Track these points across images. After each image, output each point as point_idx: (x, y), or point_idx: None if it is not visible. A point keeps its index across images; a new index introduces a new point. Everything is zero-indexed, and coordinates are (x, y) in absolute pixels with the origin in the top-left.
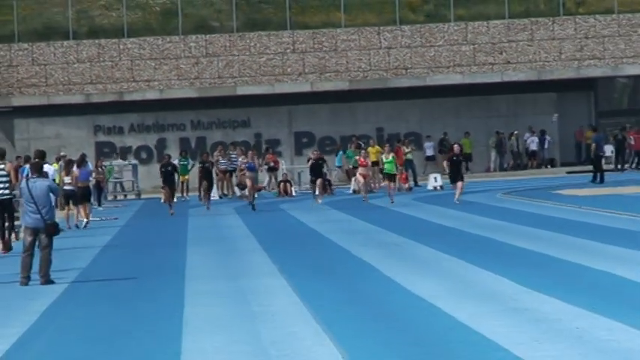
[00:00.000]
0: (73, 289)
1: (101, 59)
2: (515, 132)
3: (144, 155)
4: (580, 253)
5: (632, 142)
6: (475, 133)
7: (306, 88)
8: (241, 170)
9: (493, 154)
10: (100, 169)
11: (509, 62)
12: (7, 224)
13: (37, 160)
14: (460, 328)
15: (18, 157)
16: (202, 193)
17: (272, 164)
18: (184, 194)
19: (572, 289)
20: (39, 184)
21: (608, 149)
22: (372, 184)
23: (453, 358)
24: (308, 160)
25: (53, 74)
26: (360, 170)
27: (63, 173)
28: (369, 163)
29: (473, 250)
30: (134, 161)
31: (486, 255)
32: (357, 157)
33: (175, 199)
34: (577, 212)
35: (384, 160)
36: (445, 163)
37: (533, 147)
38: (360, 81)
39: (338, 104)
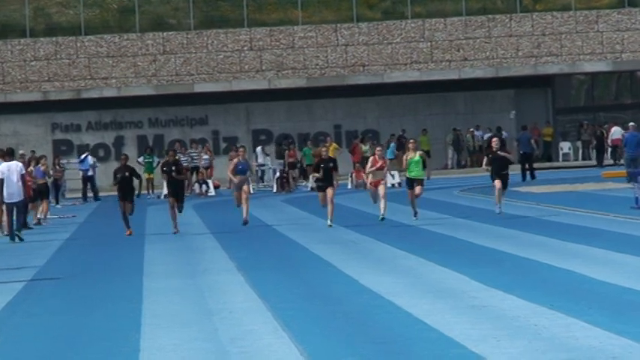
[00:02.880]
0: (30, 286)
1: (58, 57)
2: (471, 129)
3: (102, 153)
4: (538, 251)
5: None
6: (433, 130)
7: (263, 85)
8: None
9: (450, 151)
10: (57, 167)
11: (466, 59)
12: None
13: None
14: (418, 324)
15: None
16: (122, 216)
17: (292, 160)
18: (150, 192)
19: (531, 286)
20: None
21: (566, 146)
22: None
23: (410, 354)
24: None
25: (10, 72)
26: (371, 177)
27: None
28: (386, 165)
29: (431, 248)
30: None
31: (444, 252)
32: (371, 157)
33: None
34: (534, 209)
35: (409, 159)
36: (485, 161)
37: (496, 144)
38: (317, 78)
39: (295, 101)
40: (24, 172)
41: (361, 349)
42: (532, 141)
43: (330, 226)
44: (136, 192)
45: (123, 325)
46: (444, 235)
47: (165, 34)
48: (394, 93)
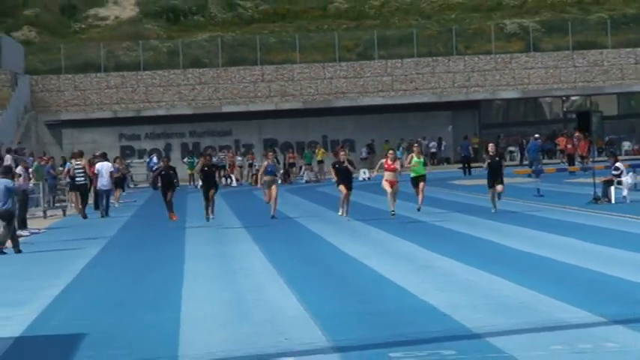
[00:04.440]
0: (103, 251)
1: (124, 86)
2: (420, 139)
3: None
4: (470, 227)
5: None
6: (392, 140)
7: (271, 107)
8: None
9: (405, 154)
10: (122, 165)
11: (417, 89)
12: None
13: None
14: (383, 280)
15: (94, 157)
16: (167, 205)
17: (292, 161)
18: (191, 183)
19: (465, 253)
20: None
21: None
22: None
23: (377, 301)
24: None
25: (90, 97)
26: (386, 176)
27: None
28: (399, 167)
29: (393, 225)
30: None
31: (402, 228)
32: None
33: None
34: (466, 197)
35: (413, 161)
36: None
37: (433, 150)
38: (310, 102)
39: (295, 119)
40: (112, 169)
41: (339, 295)
42: (470, 147)
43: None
44: (177, 185)
45: (170, 279)
46: (401, 215)
47: (201, 69)
48: (365, 113)
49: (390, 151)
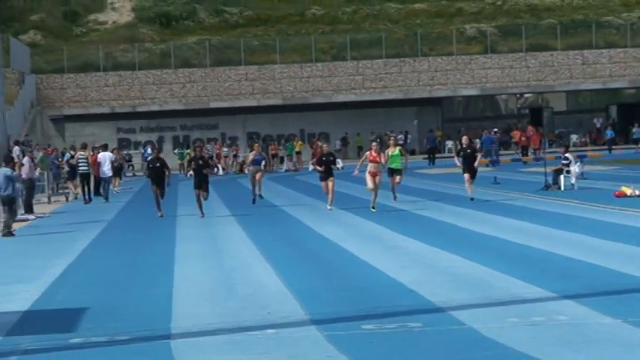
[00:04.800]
0: (103, 232)
1: (121, 84)
2: (387, 132)
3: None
4: (434, 212)
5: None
6: (364, 133)
7: (254, 103)
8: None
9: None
10: (119, 156)
11: (385, 87)
12: (86, 188)
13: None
14: (356, 260)
15: (95, 148)
16: (155, 200)
17: (274, 152)
18: (181, 172)
19: (428, 235)
20: (1, 172)
21: (450, 143)
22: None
23: (350, 278)
24: (314, 154)
25: (90, 94)
26: (370, 167)
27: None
28: (382, 160)
29: (362, 209)
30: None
31: (374, 213)
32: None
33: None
34: (432, 184)
35: (390, 154)
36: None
37: (401, 142)
38: (289, 99)
39: (275, 114)
40: (114, 159)
41: (318, 274)
42: (436, 140)
43: (330, 209)
44: (167, 182)
45: (163, 259)
46: (369, 200)
47: (190, 69)
48: (339, 109)
49: (374, 144)
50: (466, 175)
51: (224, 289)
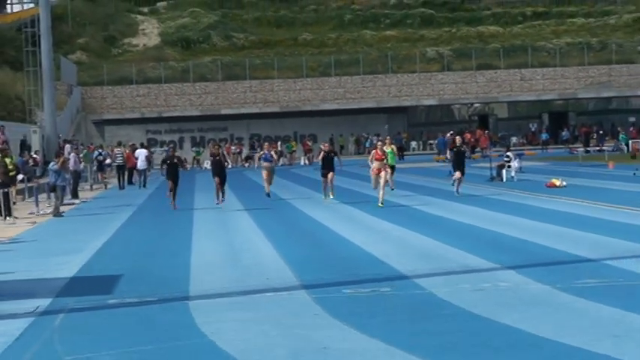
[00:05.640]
0: (135, 214)
1: (149, 95)
2: (364, 134)
3: (172, 145)
4: (403, 199)
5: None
6: (345, 134)
7: (256, 110)
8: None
9: (354, 146)
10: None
11: (362, 98)
12: (122, 178)
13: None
14: (338, 237)
15: (132, 145)
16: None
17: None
18: (195, 165)
19: (398, 218)
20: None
21: (414, 143)
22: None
23: (334, 251)
24: (319, 153)
25: (125, 102)
26: (375, 165)
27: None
28: (385, 156)
29: (348, 198)
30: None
31: (355, 201)
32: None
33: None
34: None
35: (386, 150)
36: (449, 154)
37: (375, 142)
38: (285, 107)
39: (273, 119)
40: (148, 154)
41: (307, 248)
42: (402, 140)
43: (332, 197)
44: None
45: (182, 236)
46: (343, 187)
47: (206, 83)
48: (325, 115)
49: (379, 143)
50: (457, 173)
51: (231, 260)
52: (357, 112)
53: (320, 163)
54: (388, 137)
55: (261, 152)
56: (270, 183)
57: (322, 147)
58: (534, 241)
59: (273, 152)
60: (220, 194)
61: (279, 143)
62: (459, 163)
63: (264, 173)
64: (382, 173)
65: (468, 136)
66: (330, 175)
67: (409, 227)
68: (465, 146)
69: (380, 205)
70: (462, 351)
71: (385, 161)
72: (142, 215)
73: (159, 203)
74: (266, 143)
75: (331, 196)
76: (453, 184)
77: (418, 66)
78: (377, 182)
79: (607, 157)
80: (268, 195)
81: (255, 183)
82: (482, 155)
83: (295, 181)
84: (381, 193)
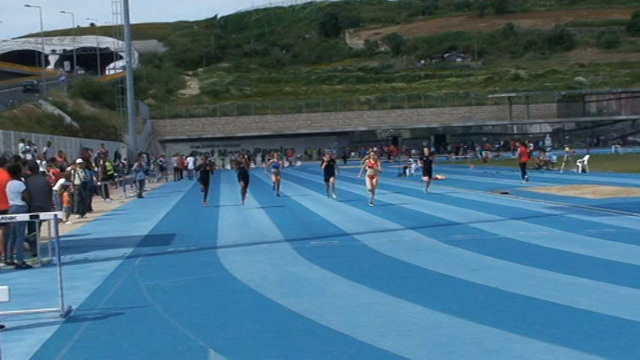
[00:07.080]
0: (177, 205)
1: (193, 124)
2: (325, 148)
3: (204, 155)
4: (352, 187)
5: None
6: (315, 148)
7: (258, 133)
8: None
9: (317, 154)
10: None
11: (322, 126)
12: (177, 175)
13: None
14: (318, 217)
15: (181, 155)
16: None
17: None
18: (223, 166)
19: (350, 201)
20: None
21: (353, 153)
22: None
23: (306, 220)
24: (322, 163)
25: (178, 129)
26: (369, 172)
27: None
28: (379, 167)
29: (319, 188)
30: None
31: (319, 189)
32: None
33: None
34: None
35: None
36: (419, 162)
37: (330, 152)
38: (275, 131)
39: (269, 139)
40: (194, 160)
41: (290, 218)
42: (346, 151)
43: (335, 198)
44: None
45: (213, 211)
46: (317, 183)
47: (227, 117)
48: (300, 137)
49: (372, 152)
50: (425, 177)
51: (242, 225)
52: (319, 134)
53: (322, 170)
54: (374, 150)
55: (271, 160)
56: (278, 181)
57: (324, 158)
58: (425, 212)
59: (279, 160)
60: (245, 195)
61: (275, 154)
62: (426, 169)
63: (273, 177)
64: (374, 180)
65: (387, 148)
66: (331, 179)
67: (351, 204)
68: (432, 156)
69: (370, 204)
70: (381, 277)
71: (378, 168)
72: (188, 198)
73: (198, 191)
74: (275, 154)
75: (334, 196)
76: (425, 187)
77: (355, 106)
78: (371, 185)
79: (469, 162)
80: (277, 195)
81: (262, 181)
82: (394, 161)
83: (287, 178)
84: (371, 195)
